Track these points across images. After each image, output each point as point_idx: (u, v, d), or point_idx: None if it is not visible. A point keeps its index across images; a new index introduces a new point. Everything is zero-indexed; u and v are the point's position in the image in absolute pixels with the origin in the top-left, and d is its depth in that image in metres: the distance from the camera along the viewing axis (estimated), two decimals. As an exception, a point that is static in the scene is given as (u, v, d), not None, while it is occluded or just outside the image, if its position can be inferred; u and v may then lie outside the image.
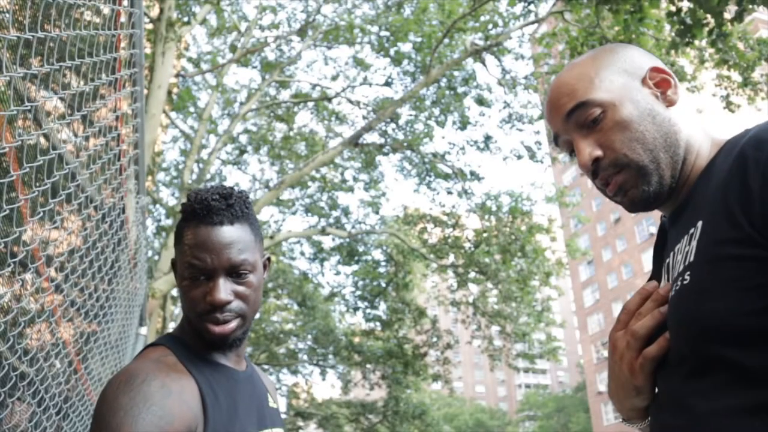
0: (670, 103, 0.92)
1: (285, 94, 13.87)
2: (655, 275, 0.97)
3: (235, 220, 1.12)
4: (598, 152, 0.89)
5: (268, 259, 1.25)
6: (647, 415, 0.91)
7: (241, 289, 1.11)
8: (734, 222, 0.74)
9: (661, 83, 0.92)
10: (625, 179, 0.89)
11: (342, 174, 14.07)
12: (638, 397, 0.89)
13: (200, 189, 1.15)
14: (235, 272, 1.09)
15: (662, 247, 0.98)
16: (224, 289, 1.08)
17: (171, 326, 13.93)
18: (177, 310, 14.39)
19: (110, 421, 0.92)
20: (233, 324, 1.10)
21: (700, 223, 0.80)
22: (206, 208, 1.10)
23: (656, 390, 0.87)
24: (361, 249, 14.42)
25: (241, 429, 1.08)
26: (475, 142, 12.45)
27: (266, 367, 16.21)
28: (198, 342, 1.13)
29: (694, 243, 0.80)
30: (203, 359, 1.12)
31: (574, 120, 0.92)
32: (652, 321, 0.85)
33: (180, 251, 1.13)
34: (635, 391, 0.88)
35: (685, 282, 0.79)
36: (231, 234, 1.10)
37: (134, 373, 0.99)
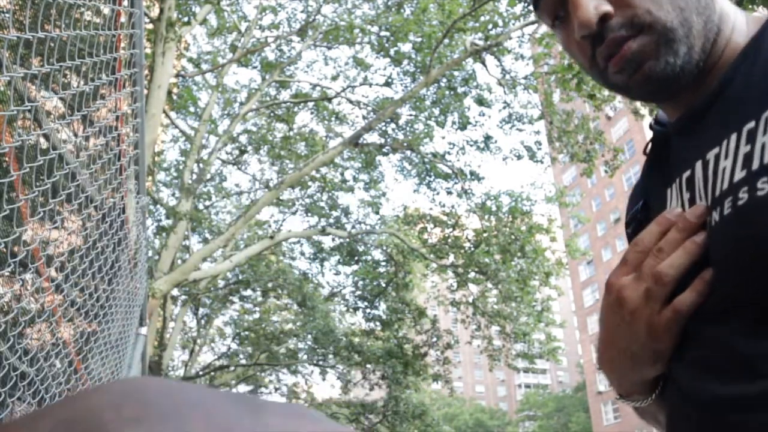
0: None
1: (285, 94, 13.89)
2: (657, 206, 0.71)
3: None
4: (607, 7, 0.64)
5: None
6: (654, 389, 0.69)
7: None
8: None
9: None
10: (642, 46, 0.64)
11: (342, 174, 14.09)
12: (654, 365, 0.65)
13: None
14: None
15: (664, 162, 0.71)
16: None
17: (171, 326, 13.94)
18: (177, 310, 14.40)
19: None
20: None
21: (766, 115, 0.56)
22: None
23: (689, 351, 0.63)
24: (361, 249, 14.43)
25: None
26: (475, 142, 12.47)
27: (266, 367, 16.24)
28: None
29: (762, 142, 0.55)
30: None
31: None
32: (685, 257, 0.60)
33: None
34: (653, 358, 0.64)
35: (759, 193, 0.54)
36: None
37: None
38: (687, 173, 0.65)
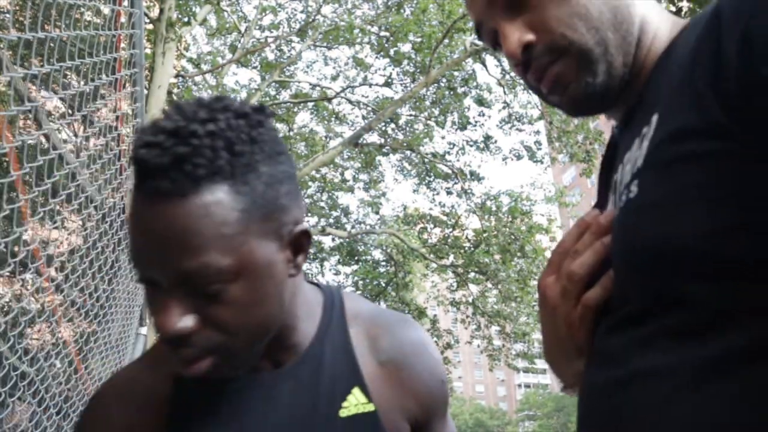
0: None
1: (285, 95, 13.90)
2: (601, 204, 0.73)
3: (194, 186, 0.60)
4: (530, 36, 0.66)
5: (303, 234, 0.71)
6: None
7: (212, 311, 0.63)
8: (700, 106, 0.52)
9: None
10: (562, 70, 0.66)
11: (342, 174, 14.10)
12: (580, 358, 0.66)
13: (164, 112, 0.65)
14: (198, 285, 0.61)
15: (611, 165, 0.73)
16: (177, 314, 0.61)
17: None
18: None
19: None
20: (206, 363, 0.65)
21: (655, 118, 0.58)
22: (138, 161, 0.61)
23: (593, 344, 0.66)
24: (361, 249, 14.44)
25: None
26: (475, 142, 12.49)
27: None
28: None
29: (646, 144, 0.58)
30: None
31: (500, 0, 0.68)
32: (593, 257, 0.64)
33: None
34: (577, 352, 0.66)
35: (630, 195, 0.57)
36: (181, 216, 0.59)
37: (92, 403, 0.78)
38: (617, 175, 0.67)
